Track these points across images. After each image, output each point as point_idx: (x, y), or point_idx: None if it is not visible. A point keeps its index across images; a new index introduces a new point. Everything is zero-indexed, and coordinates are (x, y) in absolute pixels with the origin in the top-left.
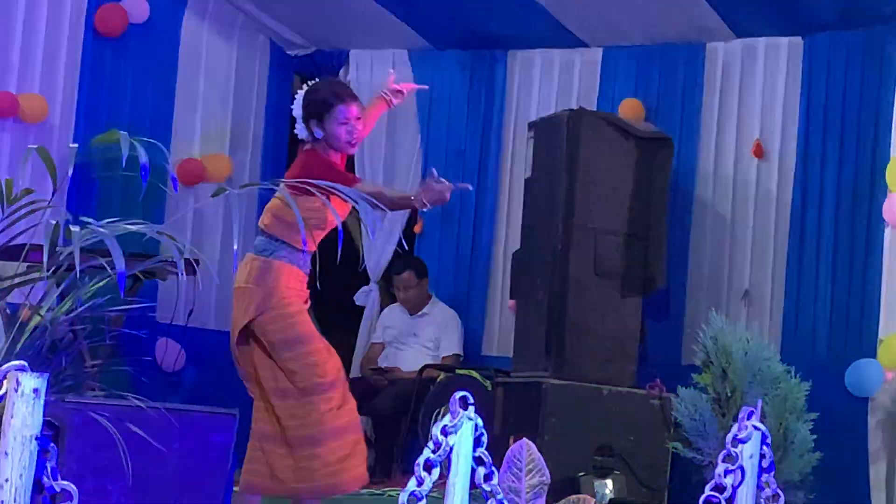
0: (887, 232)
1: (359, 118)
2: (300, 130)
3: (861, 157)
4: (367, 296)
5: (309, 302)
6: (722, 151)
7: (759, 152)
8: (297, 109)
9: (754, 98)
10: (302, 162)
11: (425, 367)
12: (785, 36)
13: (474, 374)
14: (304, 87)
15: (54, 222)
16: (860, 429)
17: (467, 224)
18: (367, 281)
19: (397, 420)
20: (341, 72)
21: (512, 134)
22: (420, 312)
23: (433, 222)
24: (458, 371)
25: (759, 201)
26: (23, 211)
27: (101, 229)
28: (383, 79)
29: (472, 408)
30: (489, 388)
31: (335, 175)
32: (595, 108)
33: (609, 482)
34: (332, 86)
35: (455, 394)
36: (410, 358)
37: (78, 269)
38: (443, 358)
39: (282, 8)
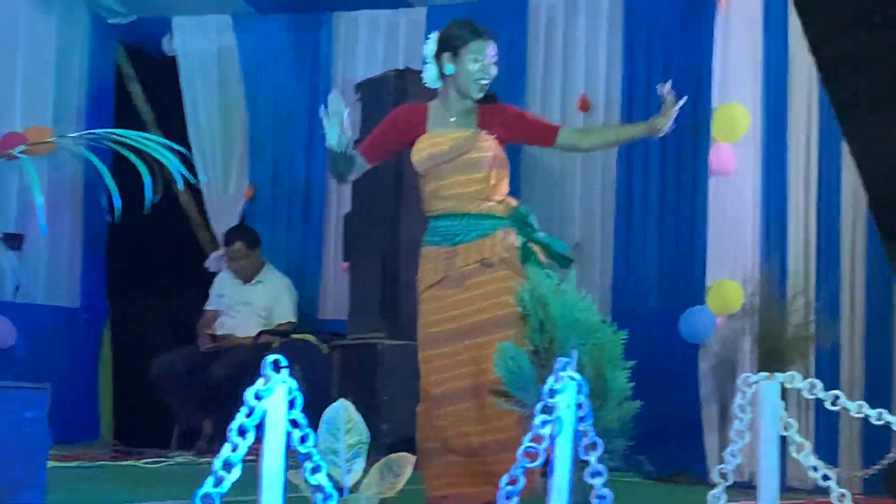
0: (711, 181)
1: (494, 63)
2: (428, 74)
3: (684, 108)
4: (218, 261)
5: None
6: (548, 106)
7: (585, 106)
8: (429, 46)
9: (578, 51)
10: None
11: (261, 332)
12: None
13: (310, 338)
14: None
15: None
16: (691, 375)
17: (298, 187)
18: (216, 247)
19: (234, 386)
20: (165, 39)
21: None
22: (253, 281)
23: (264, 187)
24: (293, 336)
25: (586, 155)
26: None
27: None
28: (209, 45)
29: (285, 371)
30: (326, 352)
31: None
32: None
33: None
34: (474, 24)
35: (266, 357)
36: (244, 326)
37: None
38: (277, 325)
39: None
